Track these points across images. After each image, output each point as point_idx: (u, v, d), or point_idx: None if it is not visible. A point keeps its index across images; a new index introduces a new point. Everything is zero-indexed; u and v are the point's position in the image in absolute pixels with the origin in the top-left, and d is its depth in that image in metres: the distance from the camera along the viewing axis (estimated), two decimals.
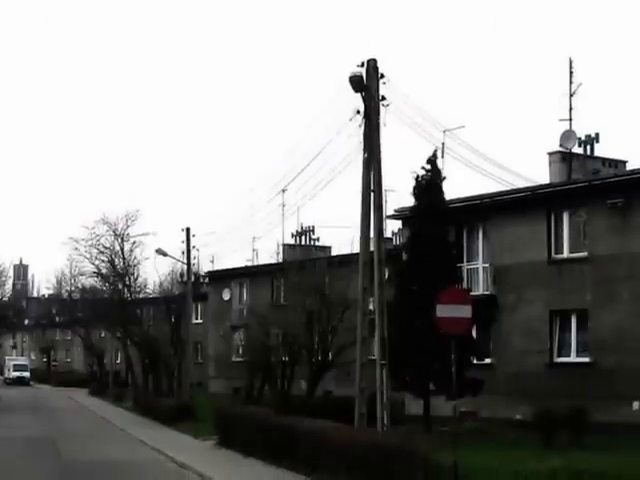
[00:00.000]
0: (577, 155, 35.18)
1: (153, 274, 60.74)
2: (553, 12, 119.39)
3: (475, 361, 29.58)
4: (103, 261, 53.31)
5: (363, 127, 21.72)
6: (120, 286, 53.91)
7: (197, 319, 61.88)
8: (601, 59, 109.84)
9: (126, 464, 23.96)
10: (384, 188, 22.66)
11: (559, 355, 30.89)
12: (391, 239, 46.46)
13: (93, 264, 53.90)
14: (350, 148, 22.31)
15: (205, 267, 56.09)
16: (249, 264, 55.84)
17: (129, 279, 53.51)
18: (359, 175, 21.80)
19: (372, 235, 21.83)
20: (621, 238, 28.77)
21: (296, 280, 36.40)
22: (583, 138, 35.68)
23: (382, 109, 21.66)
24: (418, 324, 27.00)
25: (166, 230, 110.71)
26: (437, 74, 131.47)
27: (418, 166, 29.50)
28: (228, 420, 27.67)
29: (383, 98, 21.66)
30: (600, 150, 35.85)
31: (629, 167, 33.89)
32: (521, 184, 33.33)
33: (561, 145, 34.94)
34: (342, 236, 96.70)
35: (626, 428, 26.20)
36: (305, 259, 40.30)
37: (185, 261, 45.13)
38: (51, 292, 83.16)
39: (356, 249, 24.34)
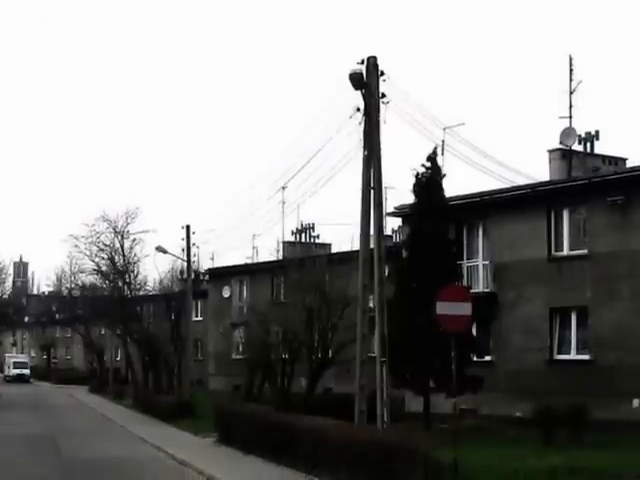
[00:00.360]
0: (577, 152, 35.18)
1: (153, 271, 60.78)
2: (553, 10, 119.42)
3: (475, 358, 29.65)
4: (103, 258, 53.28)
5: (363, 124, 21.71)
6: (120, 283, 53.86)
7: (197, 316, 61.88)
8: (601, 57, 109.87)
9: (126, 461, 23.96)
10: (384, 185, 22.66)
11: (559, 352, 30.88)
12: (391, 236, 46.48)
13: (93, 261, 53.87)
14: (350, 145, 22.32)
15: (205, 264, 56.13)
16: (249, 261, 55.86)
17: (129, 276, 53.46)
18: (359, 172, 21.81)
19: (372, 232, 21.83)
20: (621, 235, 28.76)
21: (296, 277, 36.37)
22: (583, 135, 35.69)
23: (382, 106, 21.66)
24: (418, 321, 27.01)
25: (166, 227, 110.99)
26: (437, 71, 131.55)
27: (418, 163, 29.57)
28: (228, 418, 27.66)
29: (383, 95, 21.66)
30: (600, 147, 35.90)
31: (629, 164, 33.91)
32: (521, 181, 33.38)
33: (561, 142, 34.94)
34: (342, 233, 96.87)
35: (626, 426, 26.20)
36: (305, 256, 40.25)
37: (185, 258, 45.14)
38: (51, 289, 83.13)
39: (356, 246, 24.32)
